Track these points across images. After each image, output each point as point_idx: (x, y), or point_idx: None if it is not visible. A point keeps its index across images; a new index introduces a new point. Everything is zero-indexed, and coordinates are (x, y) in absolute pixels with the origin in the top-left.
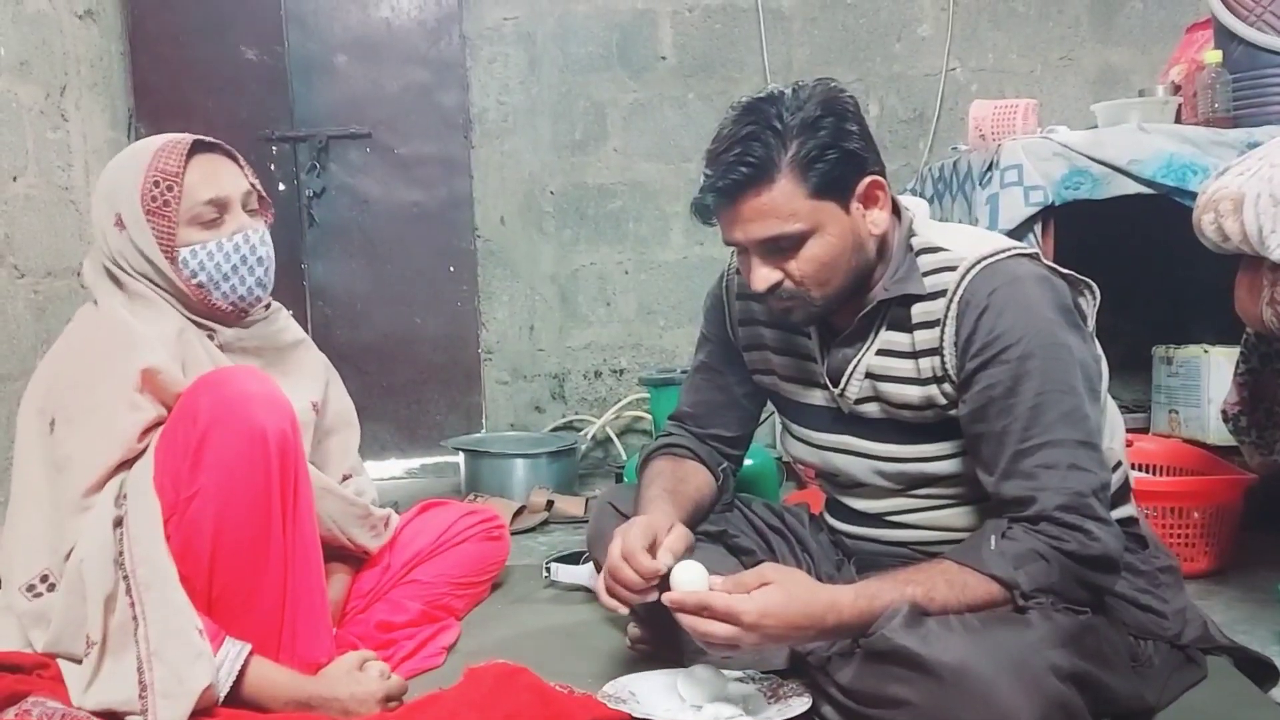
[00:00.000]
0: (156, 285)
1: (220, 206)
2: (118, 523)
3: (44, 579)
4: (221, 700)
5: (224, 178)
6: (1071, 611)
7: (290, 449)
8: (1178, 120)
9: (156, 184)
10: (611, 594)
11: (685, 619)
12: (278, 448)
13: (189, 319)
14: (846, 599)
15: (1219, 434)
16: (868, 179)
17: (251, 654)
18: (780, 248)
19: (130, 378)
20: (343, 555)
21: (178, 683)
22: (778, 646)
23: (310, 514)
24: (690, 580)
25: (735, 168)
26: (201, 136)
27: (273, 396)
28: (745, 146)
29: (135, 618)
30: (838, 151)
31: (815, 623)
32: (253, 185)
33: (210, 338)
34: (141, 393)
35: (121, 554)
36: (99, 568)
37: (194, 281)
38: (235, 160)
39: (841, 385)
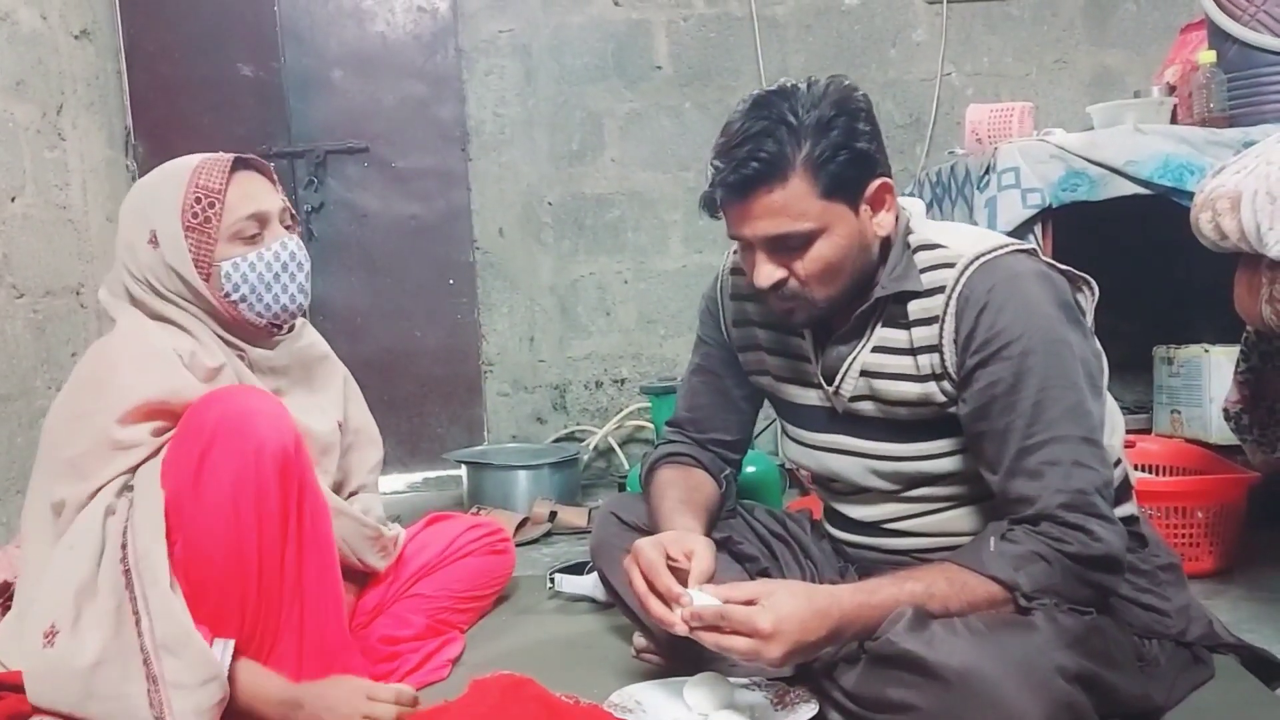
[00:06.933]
0: (188, 302)
1: (261, 221)
2: (110, 511)
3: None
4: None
5: (264, 194)
6: (1076, 612)
7: (292, 466)
8: (1173, 121)
9: (198, 200)
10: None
11: (707, 638)
12: (278, 464)
13: (220, 337)
14: (845, 592)
15: (1221, 433)
16: (878, 181)
17: (237, 654)
18: (788, 246)
19: (122, 408)
20: (347, 573)
21: (190, 673)
22: (798, 660)
23: (326, 530)
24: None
25: (748, 163)
26: (241, 154)
27: (276, 413)
28: (758, 142)
29: (136, 612)
30: (851, 153)
31: (822, 618)
32: (284, 201)
33: (240, 357)
34: (135, 423)
35: (125, 547)
36: (80, 558)
37: (230, 298)
38: (270, 178)
39: (836, 383)
